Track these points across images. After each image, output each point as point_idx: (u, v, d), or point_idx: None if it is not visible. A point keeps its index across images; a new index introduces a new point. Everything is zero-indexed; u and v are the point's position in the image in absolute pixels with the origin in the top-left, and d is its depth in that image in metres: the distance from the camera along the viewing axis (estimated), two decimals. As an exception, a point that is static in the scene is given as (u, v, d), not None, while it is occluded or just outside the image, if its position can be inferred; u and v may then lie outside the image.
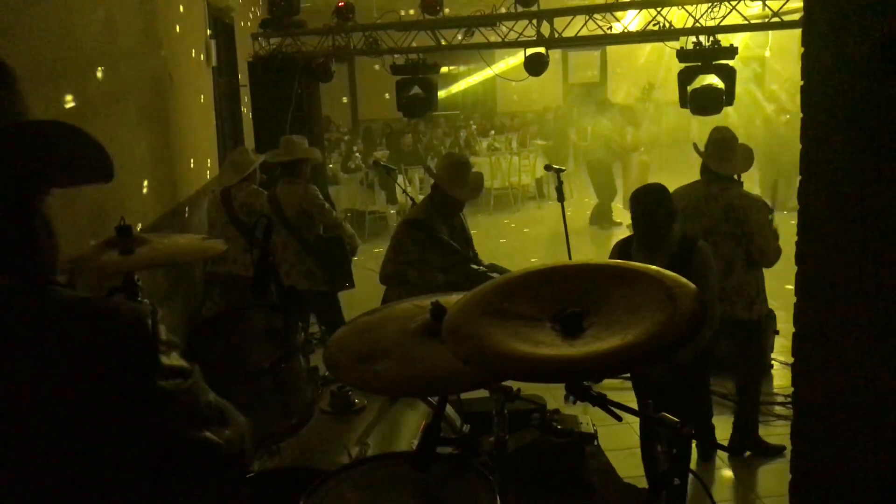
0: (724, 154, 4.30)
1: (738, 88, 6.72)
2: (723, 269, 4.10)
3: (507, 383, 2.16)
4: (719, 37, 6.52)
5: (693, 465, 4.28)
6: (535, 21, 7.05)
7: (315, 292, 5.14)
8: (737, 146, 4.39)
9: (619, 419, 1.57)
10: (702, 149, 4.41)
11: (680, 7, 6.72)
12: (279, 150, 5.26)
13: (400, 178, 9.18)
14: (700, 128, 11.63)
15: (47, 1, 3.28)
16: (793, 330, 2.58)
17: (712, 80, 6.56)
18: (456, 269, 4.12)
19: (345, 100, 16.60)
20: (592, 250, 9.76)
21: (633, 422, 4.53)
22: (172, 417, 1.13)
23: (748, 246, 4.11)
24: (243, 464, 1.26)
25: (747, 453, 4.36)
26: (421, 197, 5.44)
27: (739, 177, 4.42)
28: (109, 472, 1.09)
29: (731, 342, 4.43)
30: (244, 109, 8.30)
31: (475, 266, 4.17)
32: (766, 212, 4.25)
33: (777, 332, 5.36)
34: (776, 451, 4.27)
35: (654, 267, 1.59)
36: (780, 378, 5.15)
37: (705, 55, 6.44)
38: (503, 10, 6.99)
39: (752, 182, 8.70)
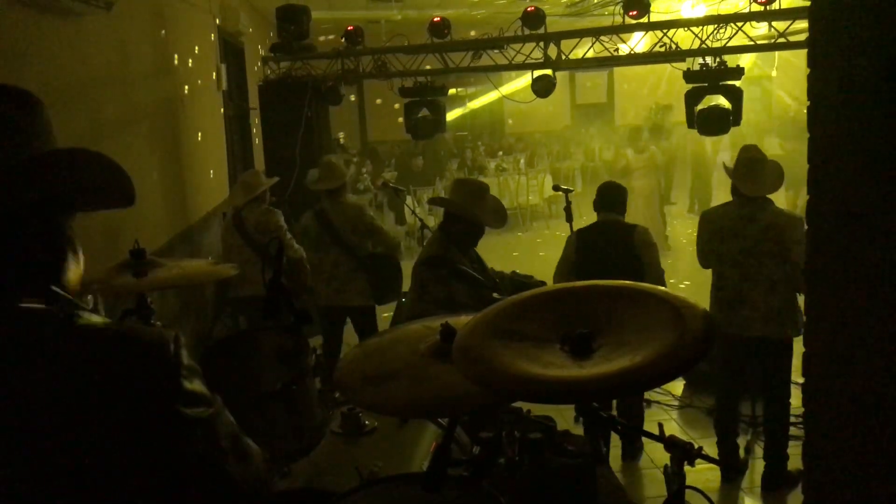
0: (753, 175, 4.18)
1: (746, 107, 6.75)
2: (767, 288, 4.09)
3: (517, 404, 2.16)
4: (725, 57, 6.55)
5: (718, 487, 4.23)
6: (542, 43, 7.10)
7: (366, 307, 5.19)
8: (766, 165, 4.25)
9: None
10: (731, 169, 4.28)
11: (686, 28, 6.77)
12: (322, 175, 5.25)
13: (409, 199, 9.23)
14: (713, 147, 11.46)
15: (62, 26, 3.34)
16: (802, 349, 2.57)
17: (719, 100, 6.59)
18: (484, 303, 3.89)
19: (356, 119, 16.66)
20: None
21: (645, 443, 4.54)
22: (192, 445, 1.14)
23: (786, 262, 4.04)
24: (259, 499, 1.26)
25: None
26: (430, 218, 5.44)
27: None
28: (129, 496, 1.10)
29: (772, 362, 4.27)
30: (254, 132, 8.38)
31: (496, 295, 3.99)
32: (802, 228, 4.04)
33: None
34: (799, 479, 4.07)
35: (661, 287, 1.59)
36: (792, 398, 5.12)
37: (712, 76, 6.47)
38: (510, 33, 7.05)
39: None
